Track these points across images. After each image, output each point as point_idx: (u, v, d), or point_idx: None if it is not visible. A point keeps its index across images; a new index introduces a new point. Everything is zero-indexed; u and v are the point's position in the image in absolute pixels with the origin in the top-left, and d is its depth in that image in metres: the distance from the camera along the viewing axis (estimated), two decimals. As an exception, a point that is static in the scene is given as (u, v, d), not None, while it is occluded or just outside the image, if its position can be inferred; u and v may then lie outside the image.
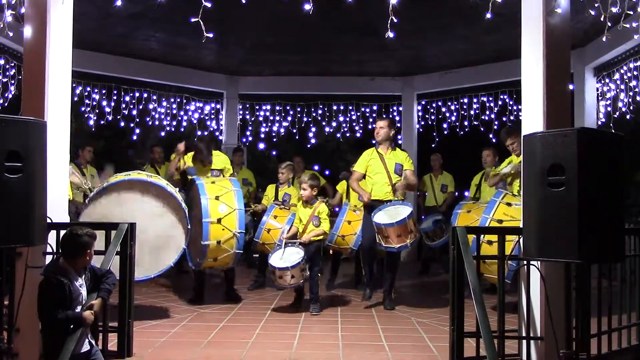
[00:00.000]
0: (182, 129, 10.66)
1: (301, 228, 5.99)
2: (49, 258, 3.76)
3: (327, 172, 8.88)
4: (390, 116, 9.95)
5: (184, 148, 6.53)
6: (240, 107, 10.82)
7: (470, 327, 3.91)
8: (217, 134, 10.67)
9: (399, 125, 10.60)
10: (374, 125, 6.56)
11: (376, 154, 6.28)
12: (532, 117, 4.06)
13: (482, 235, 4.62)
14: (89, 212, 5.14)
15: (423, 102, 10.65)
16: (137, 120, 9.74)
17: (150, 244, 5.21)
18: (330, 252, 7.51)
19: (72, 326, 3.15)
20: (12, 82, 7.34)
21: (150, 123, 10.00)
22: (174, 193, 5.40)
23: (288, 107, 10.73)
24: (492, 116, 9.79)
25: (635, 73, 7.62)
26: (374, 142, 6.51)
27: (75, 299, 3.20)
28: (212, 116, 10.63)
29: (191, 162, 6.57)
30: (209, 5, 3.89)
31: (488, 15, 4.27)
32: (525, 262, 3.77)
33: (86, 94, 9.17)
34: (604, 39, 4.57)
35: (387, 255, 6.11)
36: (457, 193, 9.10)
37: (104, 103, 9.44)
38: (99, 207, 5.17)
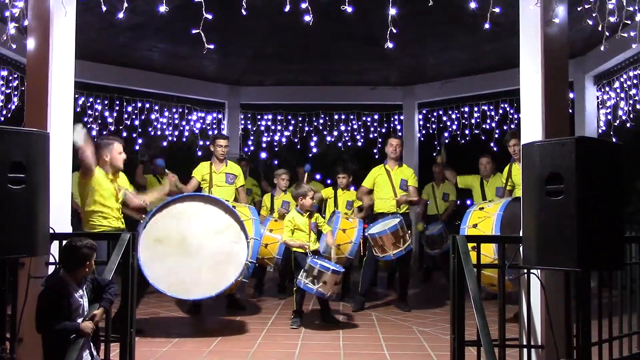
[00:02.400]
0: (184, 139, 10.71)
1: (305, 238, 5.82)
2: (51, 268, 3.77)
3: (328, 181, 8.91)
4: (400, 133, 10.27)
5: None
6: (242, 116, 10.83)
7: (471, 336, 3.91)
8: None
9: (400, 134, 10.66)
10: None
11: (384, 170, 6.75)
12: (531, 126, 4.07)
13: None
14: (150, 228, 5.07)
15: (424, 111, 10.68)
16: (140, 130, 9.77)
17: (209, 261, 5.09)
18: None
19: (73, 336, 3.13)
20: (15, 93, 7.38)
21: (152, 133, 10.03)
22: (233, 208, 5.27)
23: (289, 117, 10.78)
24: (493, 125, 9.82)
25: (635, 81, 7.64)
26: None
27: (74, 310, 3.19)
28: (214, 126, 10.66)
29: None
30: (210, 17, 3.92)
31: (487, 26, 4.29)
32: (525, 271, 3.78)
33: (88, 104, 9.19)
34: (602, 48, 4.59)
35: (398, 263, 6.62)
36: (458, 202, 9.11)
37: (107, 113, 9.47)
38: (160, 222, 5.12)
